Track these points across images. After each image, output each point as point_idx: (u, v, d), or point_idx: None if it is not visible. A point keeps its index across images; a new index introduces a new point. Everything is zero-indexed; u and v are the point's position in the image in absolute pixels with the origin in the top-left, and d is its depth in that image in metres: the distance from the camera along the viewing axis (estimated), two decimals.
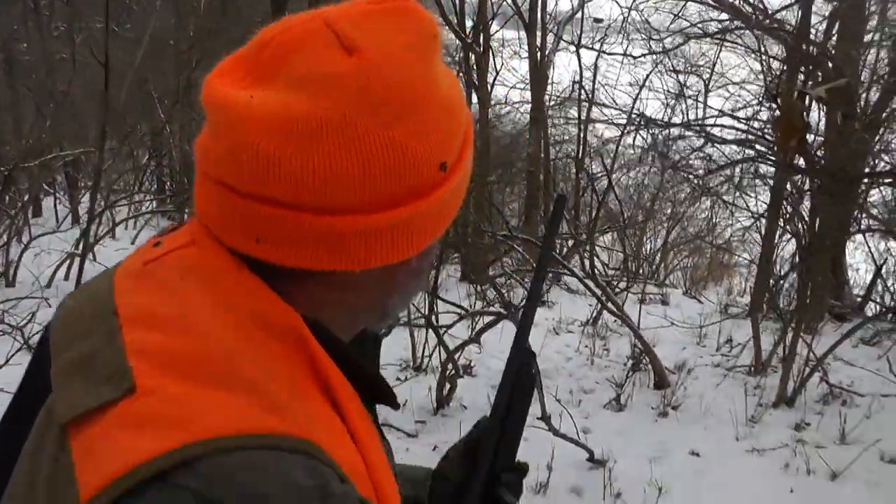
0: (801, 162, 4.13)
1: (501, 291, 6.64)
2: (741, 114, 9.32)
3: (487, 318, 6.17)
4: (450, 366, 5.47)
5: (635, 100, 10.93)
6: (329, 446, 0.60)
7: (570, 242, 11.69)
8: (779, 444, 4.99)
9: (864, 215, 8.74)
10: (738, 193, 10.86)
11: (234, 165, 0.65)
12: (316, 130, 0.62)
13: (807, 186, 7.97)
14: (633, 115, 10.35)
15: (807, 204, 8.21)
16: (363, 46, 0.64)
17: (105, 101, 6.39)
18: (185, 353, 0.61)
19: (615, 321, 7.51)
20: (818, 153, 7.00)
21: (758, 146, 8.05)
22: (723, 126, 9.01)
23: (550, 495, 4.19)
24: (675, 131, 9.15)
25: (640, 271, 13.33)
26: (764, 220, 9.26)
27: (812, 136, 5.74)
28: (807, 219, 8.19)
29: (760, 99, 8.75)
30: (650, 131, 9.64)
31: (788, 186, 8.11)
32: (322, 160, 0.62)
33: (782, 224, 8.61)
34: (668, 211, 13.85)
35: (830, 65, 6.26)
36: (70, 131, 12.75)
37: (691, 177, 10.62)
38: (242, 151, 0.63)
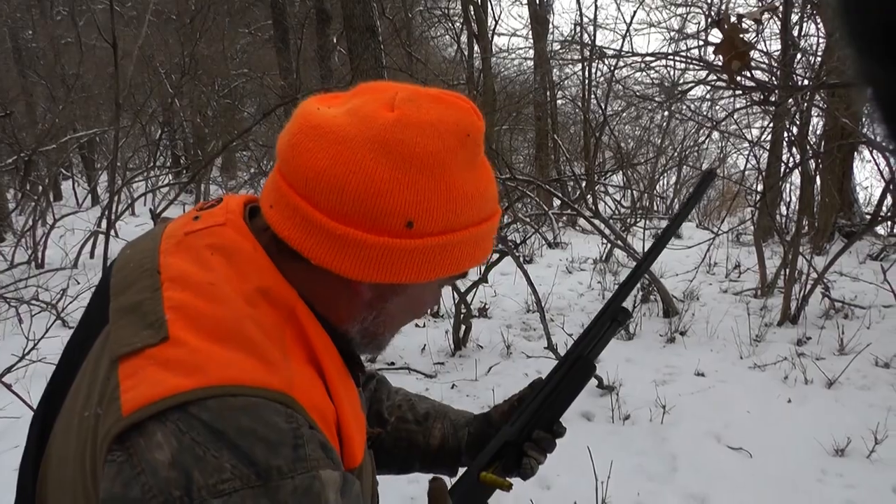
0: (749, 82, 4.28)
1: (503, 234, 6.79)
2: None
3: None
4: (463, 307, 5.68)
5: (624, 36, 10.93)
6: (305, 400, 0.79)
7: (584, 184, 11.78)
8: (779, 358, 5.19)
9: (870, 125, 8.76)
10: (745, 123, 10.91)
11: (283, 147, 0.86)
12: (333, 141, 0.83)
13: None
14: (587, 47, 10.33)
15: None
16: (405, 110, 0.84)
17: (116, 80, 6.57)
18: (208, 314, 0.78)
19: (627, 257, 7.68)
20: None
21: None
22: (682, 57, 8.97)
23: (561, 421, 4.41)
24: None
25: (654, 207, 13.47)
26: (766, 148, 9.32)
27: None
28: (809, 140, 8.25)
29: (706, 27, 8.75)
30: (605, 62, 9.64)
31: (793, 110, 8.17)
32: (321, 162, 0.82)
33: (786, 148, 8.67)
34: (679, 146, 13.89)
35: None
36: (82, 113, 12.95)
37: (689, 110, 10.65)
38: (289, 138, 0.85)
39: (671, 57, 8.77)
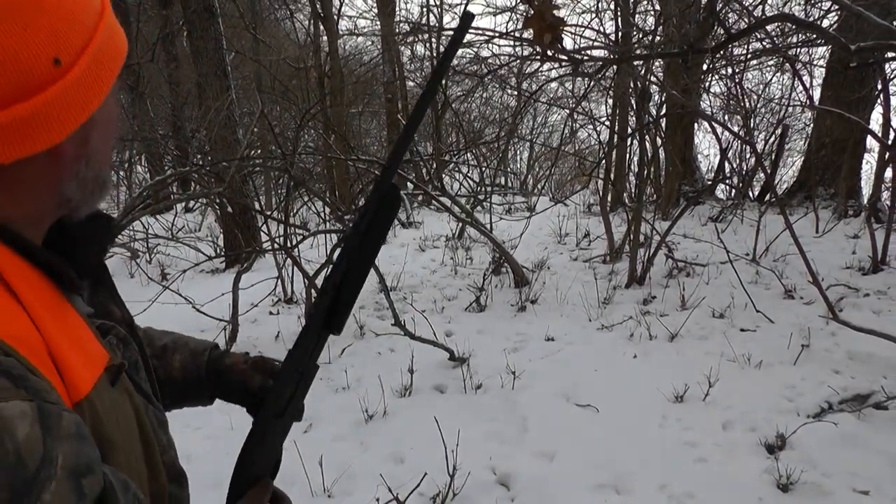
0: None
1: (339, 212, 6.70)
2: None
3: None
4: (313, 291, 5.53)
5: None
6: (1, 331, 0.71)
7: (434, 164, 11.83)
8: (626, 318, 5.32)
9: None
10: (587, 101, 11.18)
11: None
12: None
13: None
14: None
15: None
16: None
17: None
18: None
19: (479, 234, 7.71)
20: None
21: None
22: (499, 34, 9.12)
23: (415, 396, 4.33)
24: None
25: (508, 183, 13.68)
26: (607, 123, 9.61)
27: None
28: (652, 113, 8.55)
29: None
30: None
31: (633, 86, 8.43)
32: None
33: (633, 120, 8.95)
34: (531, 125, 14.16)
35: None
36: None
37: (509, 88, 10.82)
38: None
39: (485, 34, 8.83)
